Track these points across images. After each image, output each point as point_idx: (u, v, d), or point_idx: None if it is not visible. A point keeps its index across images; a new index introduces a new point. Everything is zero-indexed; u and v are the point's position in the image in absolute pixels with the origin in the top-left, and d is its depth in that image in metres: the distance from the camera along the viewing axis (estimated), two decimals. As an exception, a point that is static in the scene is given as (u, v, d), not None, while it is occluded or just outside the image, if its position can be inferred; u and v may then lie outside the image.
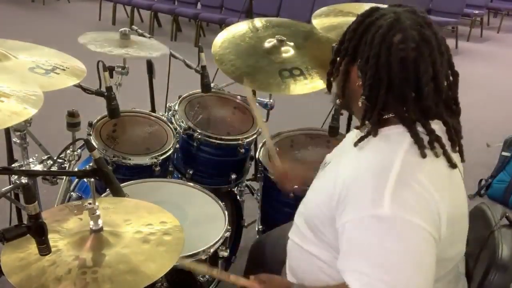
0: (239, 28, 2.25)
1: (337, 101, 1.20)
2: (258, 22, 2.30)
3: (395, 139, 1.06)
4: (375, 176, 1.00)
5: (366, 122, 1.10)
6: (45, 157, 1.90)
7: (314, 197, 1.22)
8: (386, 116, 1.07)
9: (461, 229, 1.11)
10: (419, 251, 0.96)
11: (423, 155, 1.02)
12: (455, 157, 1.11)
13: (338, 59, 1.16)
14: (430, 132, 1.05)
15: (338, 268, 1.04)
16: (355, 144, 1.09)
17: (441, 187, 1.02)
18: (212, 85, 2.13)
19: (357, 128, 1.16)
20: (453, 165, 1.06)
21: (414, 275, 0.95)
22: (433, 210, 0.98)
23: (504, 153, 3.28)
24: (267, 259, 1.53)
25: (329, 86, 1.22)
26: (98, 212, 1.19)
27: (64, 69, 1.56)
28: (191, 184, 1.80)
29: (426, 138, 1.05)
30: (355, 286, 0.97)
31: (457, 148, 1.10)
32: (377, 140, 1.07)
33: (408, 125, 1.05)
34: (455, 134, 1.10)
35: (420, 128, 1.06)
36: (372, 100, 1.06)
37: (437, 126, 1.08)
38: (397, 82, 1.03)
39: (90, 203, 1.19)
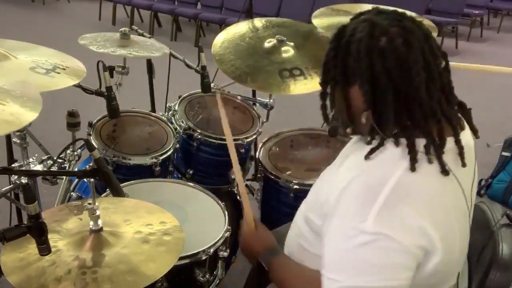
0: (239, 28, 2.25)
1: (348, 130, 1.14)
2: (258, 22, 2.30)
3: (396, 153, 1.03)
4: (368, 191, 0.99)
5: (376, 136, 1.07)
6: (45, 157, 1.90)
7: (313, 194, 1.23)
8: (387, 134, 1.04)
9: (456, 257, 1.09)
10: (392, 265, 0.97)
11: (413, 169, 0.99)
12: (465, 177, 1.08)
13: (328, 90, 1.13)
14: (428, 134, 1.02)
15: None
16: (366, 157, 1.05)
17: (435, 209, 1.00)
18: (212, 85, 2.12)
19: (367, 143, 1.11)
20: (445, 171, 1.02)
21: (386, 286, 0.96)
22: (419, 235, 0.97)
23: (504, 153, 3.28)
24: None
25: (326, 119, 1.18)
26: (98, 212, 1.19)
27: (64, 69, 1.56)
28: (191, 184, 1.80)
29: (422, 143, 1.02)
30: (327, 285, 1.01)
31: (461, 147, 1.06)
32: (381, 153, 1.04)
33: (408, 135, 1.02)
34: (457, 124, 1.06)
35: (420, 141, 1.02)
36: (382, 112, 1.03)
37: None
38: (401, 84, 1.00)
39: (90, 203, 1.19)
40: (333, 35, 1.08)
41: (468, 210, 1.12)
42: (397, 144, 1.03)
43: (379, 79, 1.00)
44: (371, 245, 0.96)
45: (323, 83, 1.14)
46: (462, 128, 1.10)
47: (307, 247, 1.22)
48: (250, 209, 1.35)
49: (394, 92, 1.00)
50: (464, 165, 1.06)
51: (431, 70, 1.02)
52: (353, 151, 1.17)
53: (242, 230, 1.34)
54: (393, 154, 1.03)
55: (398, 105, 1.01)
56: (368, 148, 1.06)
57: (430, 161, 1.02)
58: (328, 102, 1.14)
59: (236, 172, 1.46)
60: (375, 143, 1.06)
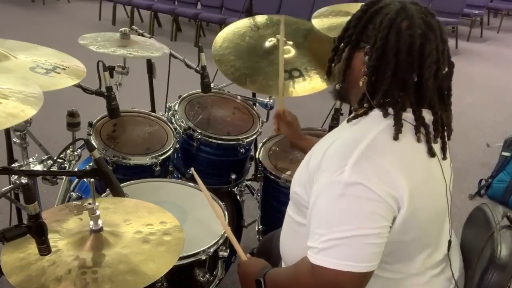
0: (240, 26, 2.24)
1: (337, 86, 1.23)
2: (260, 18, 2.29)
3: (375, 119, 1.11)
4: (345, 148, 1.07)
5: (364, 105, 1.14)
6: (45, 157, 1.90)
7: (298, 172, 1.26)
8: (375, 103, 1.12)
9: (427, 218, 1.13)
10: (367, 214, 1.01)
11: (396, 138, 1.07)
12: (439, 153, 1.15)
13: (341, 46, 1.20)
14: (419, 117, 1.10)
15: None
16: (348, 120, 1.16)
17: (408, 167, 1.06)
18: (212, 85, 2.12)
19: (354, 110, 1.20)
20: (432, 153, 1.10)
21: (358, 235, 1.01)
22: (391, 186, 1.02)
23: (504, 153, 3.28)
24: (273, 251, 1.54)
25: (329, 72, 1.26)
26: (98, 212, 1.19)
27: (64, 69, 1.56)
28: (191, 184, 1.80)
29: (412, 124, 1.10)
30: (311, 245, 1.06)
31: (438, 140, 1.13)
32: (362, 120, 1.14)
33: (397, 109, 1.09)
34: (441, 125, 1.14)
35: (409, 115, 1.10)
36: (377, 83, 1.10)
37: (428, 116, 1.12)
38: (403, 66, 1.07)
39: (90, 203, 1.19)
40: (369, 1, 1.16)
41: (446, 186, 1.17)
42: (385, 115, 1.10)
43: (387, 53, 1.08)
44: (347, 195, 1.01)
45: (338, 38, 1.21)
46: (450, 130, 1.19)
47: (297, 229, 1.25)
48: (238, 245, 1.42)
49: (395, 69, 1.07)
50: (445, 158, 1.16)
51: (438, 68, 1.10)
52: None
53: (238, 265, 1.38)
54: (373, 120, 1.11)
55: (394, 82, 1.08)
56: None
57: (418, 140, 1.10)
58: (336, 57, 1.22)
59: (222, 222, 1.51)
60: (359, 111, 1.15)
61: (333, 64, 1.24)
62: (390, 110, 1.10)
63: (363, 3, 1.17)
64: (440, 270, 1.22)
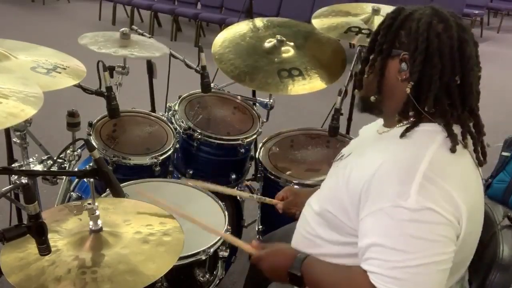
0: (240, 28, 2.25)
1: (371, 98, 1.18)
2: (260, 22, 2.30)
3: (427, 135, 1.07)
4: (403, 170, 1.02)
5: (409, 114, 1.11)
6: (45, 157, 1.90)
7: (332, 189, 1.20)
8: (427, 110, 1.08)
9: (476, 231, 1.12)
10: (440, 238, 0.98)
11: (453, 150, 1.04)
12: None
13: (371, 57, 1.18)
14: (464, 123, 1.09)
15: (359, 256, 1.06)
16: (401, 136, 1.09)
17: (465, 187, 1.03)
18: (212, 85, 2.12)
19: (398, 121, 1.15)
20: (480, 163, 1.10)
21: (433, 262, 0.97)
22: (455, 208, 1.00)
23: (504, 153, 3.27)
24: None
25: (360, 85, 1.24)
26: (97, 212, 1.19)
27: (64, 68, 1.56)
28: (191, 184, 1.80)
29: (459, 130, 1.08)
30: (374, 271, 1.00)
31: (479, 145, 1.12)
32: (409, 135, 1.09)
33: (448, 119, 1.07)
34: (481, 129, 1.13)
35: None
36: (422, 89, 1.07)
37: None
38: (447, 69, 1.06)
39: (89, 203, 1.18)
40: (392, 10, 1.15)
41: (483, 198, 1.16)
42: (440, 122, 1.07)
43: (431, 56, 1.05)
44: (416, 221, 0.97)
45: (368, 49, 1.19)
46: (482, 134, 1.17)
47: (319, 243, 1.20)
48: (242, 242, 1.36)
49: (440, 73, 1.05)
50: (485, 162, 1.14)
51: (478, 70, 1.09)
52: (364, 142, 1.23)
53: (256, 259, 1.30)
54: (422, 134, 1.08)
55: (440, 86, 1.06)
56: (386, 134, 1.14)
57: (466, 146, 1.07)
58: (366, 68, 1.19)
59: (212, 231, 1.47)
60: (403, 123, 1.12)
61: (365, 76, 1.20)
62: (432, 125, 1.08)
63: (388, 13, 1.15)
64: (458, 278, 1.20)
